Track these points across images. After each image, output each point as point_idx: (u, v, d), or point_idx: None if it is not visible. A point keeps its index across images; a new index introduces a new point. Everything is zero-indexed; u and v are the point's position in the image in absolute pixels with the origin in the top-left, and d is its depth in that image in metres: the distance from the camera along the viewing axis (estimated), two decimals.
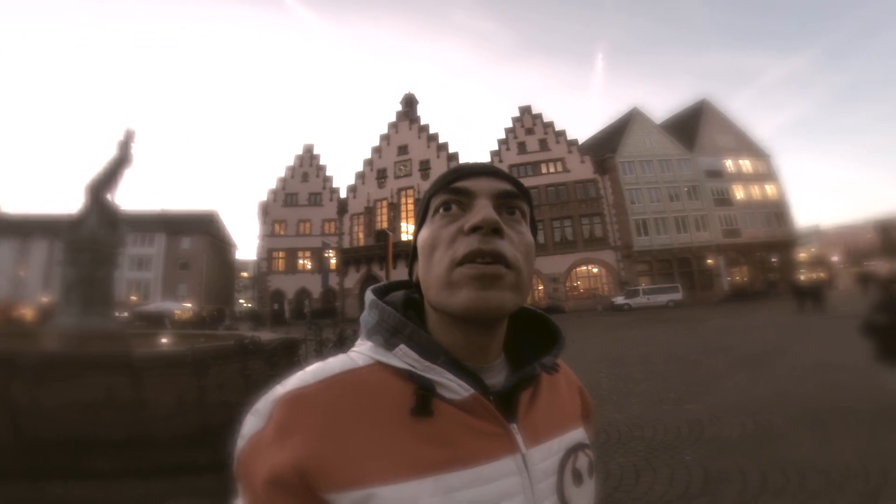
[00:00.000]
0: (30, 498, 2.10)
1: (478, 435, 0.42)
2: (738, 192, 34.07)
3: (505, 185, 0.50)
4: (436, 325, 0.48)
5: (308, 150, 41.19)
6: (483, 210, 0.46)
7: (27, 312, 32.47)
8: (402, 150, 38.22)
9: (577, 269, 32.42)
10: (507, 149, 35.88)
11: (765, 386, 5.68)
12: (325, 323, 14.75)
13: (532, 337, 0.55)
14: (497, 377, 0.48)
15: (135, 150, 4.83)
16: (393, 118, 39.58)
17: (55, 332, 4.09)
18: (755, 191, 34.64)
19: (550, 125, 35.66)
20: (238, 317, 34.43)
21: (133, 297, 37.90)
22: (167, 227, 43.62)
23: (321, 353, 4.12)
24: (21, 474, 2.08)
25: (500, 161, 35.38)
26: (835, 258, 56.45)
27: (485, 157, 36.53)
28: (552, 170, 34.38)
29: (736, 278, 32.23)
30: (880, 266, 41.17)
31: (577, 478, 0.49)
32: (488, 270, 0.43)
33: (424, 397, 0.41)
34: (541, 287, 31.95)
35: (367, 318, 0.50)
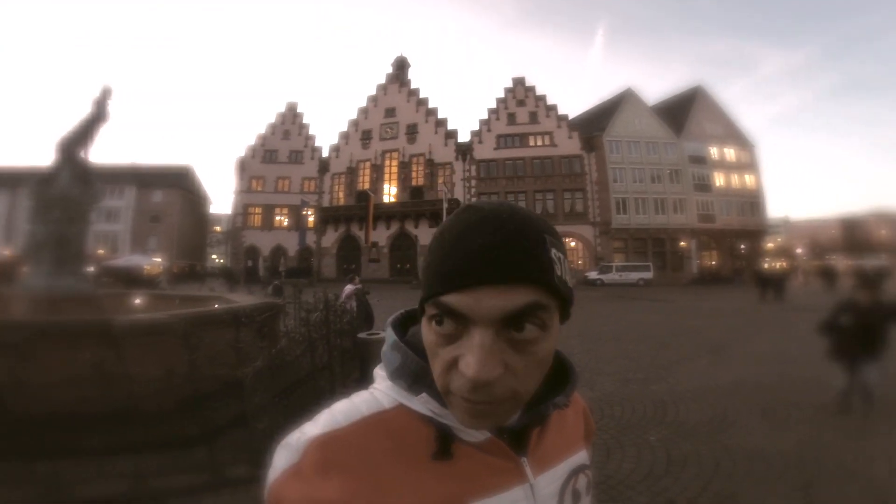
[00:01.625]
0: (21, 476, 2.07)
1: (492, 469, 0.46)
2: (718, 180, 34.82)
3: (518, 300, 0.40)
4: None
5: (291, 107, 39.91)
6: (475, 357, 0.39)
7: None
8: (390, 112, 37.24)
9: None
10: (497, 118, 35.35)
11: (724, 372, 6.04)
12: (303, 283, 14.51)
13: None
14: (511, 418, 0.49)
15: (111, 107, 4.54)
16: (382, 80, 38.31)
17: (25, 295, 3.89)
18: (735, 179, 35.44)
19: (542, 98, 35.22)
20: (185, 275, 32.58)
21: (100, 251, 36.56)
22: (138, 180, 42.07)
23: (308, 322, 4.10)
24: (8, 454, 2.03)
25: (489, 130, 35.03)
26: (799, 250, 58.87)
27: (474, 125, 35.99)
28: (539, 143, 34.24)
29: (706, 262, 33.43)
30: (839, 261, 43.24)
31: (576, 497, 0.53)
32: (482, 410, 0.42)
33: (445, 443, 0.45)
34: None
35: (389, 356, 0.50)
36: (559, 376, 0.55)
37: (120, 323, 2.74)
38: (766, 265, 29.69)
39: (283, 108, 40.05)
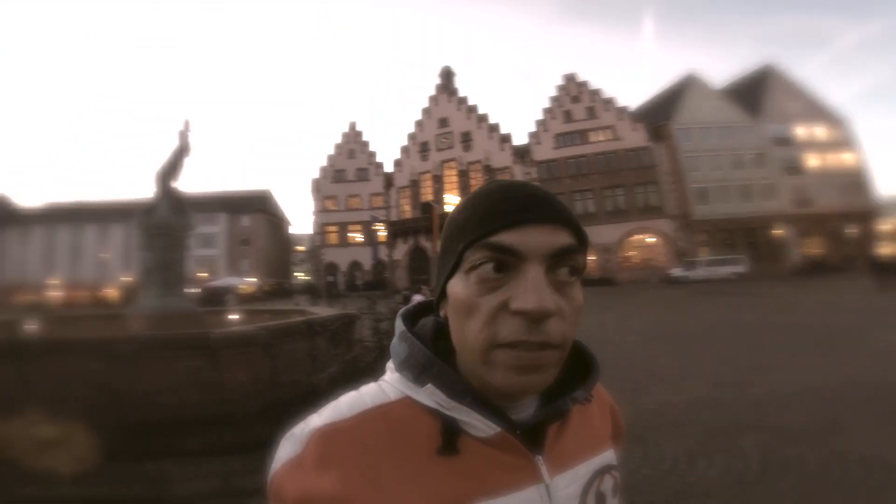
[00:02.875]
0: (130, 475, 2.40)
1: (503, 467, 0.43)
2: (811, 160, 31.19)
3: (562, 240, 0.43)
4: (465, 362, 0.46)
5: (352, 126, 42.05)
6: (534, 289, 0.40)
7: (112, 292, 36.48)
8: (443, 122, 37.97)
9: (631, 238, 31.21)
10: (553, 118, 34.64)
11: (837, 372, 5.32)
12: (377, 294, 15.33)
13: (566, 364, 0.51)
14: (526, 411, 0.48)
15: (192, 138, 5.11)
16: (433, 91, 39.20)
17: (139, 314, 4.54)
18: (830, 159, 31.54)
19: (598, 92, 33.96)
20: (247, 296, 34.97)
21: (203, 274, 41.00)
22: (227, 206, 46.59)
23: (378, 330, 4.28)
24: (123, 455, 2.36)
25: (546, 130, 34.35)
26: None
27: (530, 127, 35.50)
28: (601, 138, 32.92)
29: (807, 251, 29.76)
30: None
31: (601, 500, 0.49)
32: (532, 360, 0.41)
33: (450, 437, 0.43)
34: (593, 257, 30.87)
35: (397, 348, 0.49)
36: (580, 369, 0.52)
37: (215, 335, 3.08)
38: (883, 250, 25.71)
39: (346, 128, 42.19)
